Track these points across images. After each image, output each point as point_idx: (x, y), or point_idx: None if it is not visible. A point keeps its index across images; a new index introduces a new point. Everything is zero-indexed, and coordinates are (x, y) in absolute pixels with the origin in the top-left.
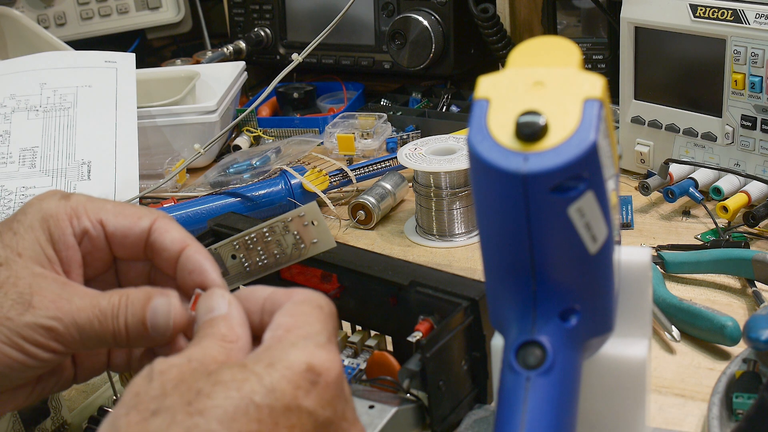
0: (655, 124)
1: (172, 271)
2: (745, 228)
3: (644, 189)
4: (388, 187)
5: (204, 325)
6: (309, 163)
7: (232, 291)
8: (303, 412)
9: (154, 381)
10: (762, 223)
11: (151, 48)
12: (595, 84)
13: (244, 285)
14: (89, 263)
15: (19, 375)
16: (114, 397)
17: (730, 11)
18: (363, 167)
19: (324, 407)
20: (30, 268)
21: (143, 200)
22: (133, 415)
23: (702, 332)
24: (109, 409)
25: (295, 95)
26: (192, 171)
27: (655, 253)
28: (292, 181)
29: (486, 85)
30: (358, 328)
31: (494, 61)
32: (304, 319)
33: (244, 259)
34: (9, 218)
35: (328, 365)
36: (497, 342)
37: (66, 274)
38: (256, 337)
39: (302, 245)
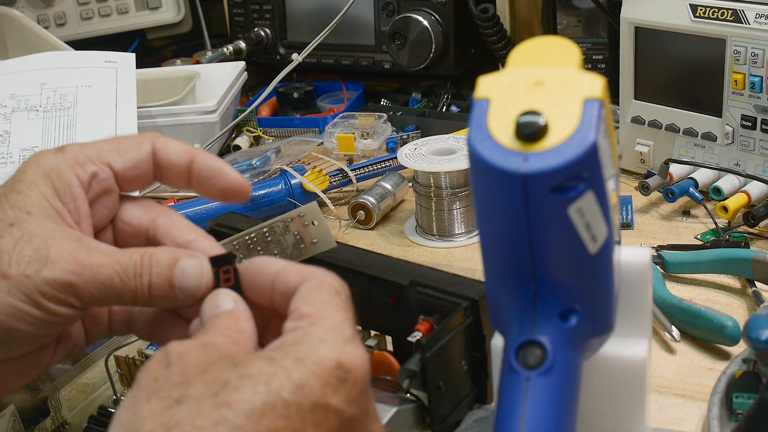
0: (655, 124)
1: (186, 184)
2: (745, 228)
3: (644, 189)
4: (388, 187)
5: (210, 319)
6: (309, 163)
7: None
8: (330, 410)
9: (174, 366)
10: (762, 223)
11: (151, 48)
12: (595, 84)
13: None
14: (97, 211)
15: (41, 332)
16: (114, 397)
17: (730, 11)
18: (363, 167)
19: (350, 405)
20: (43, 225)
21: None
22: (155, 403)
23: (702, 332)
24: (110, 409)
25: (295, 95)
26: None
27: (655, 253)
28: (292, 181)
29: (486, 85)
30: (358, 328)
31: (494, 61)
32: (326, 309)
33: (244, 259)
34: (8, 180)
35: (357, 361)
36: (497, 342)
37: (77, 225)
38: (265, 310)
39: (302, 245)
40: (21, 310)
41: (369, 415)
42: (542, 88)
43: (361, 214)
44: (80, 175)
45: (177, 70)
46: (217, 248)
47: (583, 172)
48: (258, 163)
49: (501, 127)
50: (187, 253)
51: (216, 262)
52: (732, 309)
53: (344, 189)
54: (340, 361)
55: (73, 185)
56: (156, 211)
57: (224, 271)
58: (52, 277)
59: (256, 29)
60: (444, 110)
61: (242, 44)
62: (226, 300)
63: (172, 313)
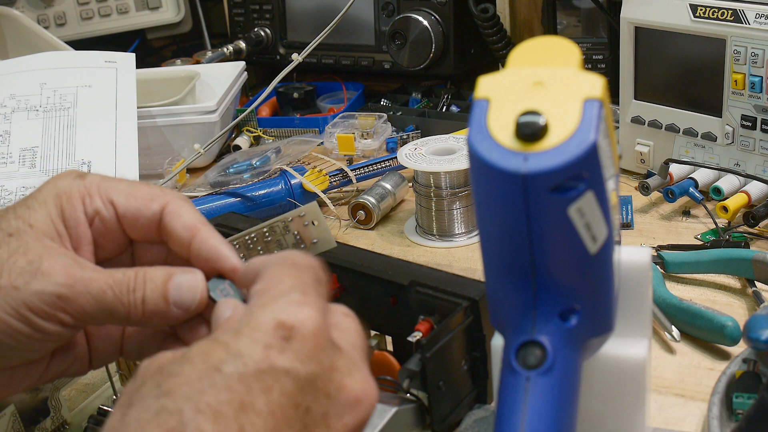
0: (655, 124)
1: (186, 256)
2: (745, 228)
3: (644, 189)
4: (388, 187)
5: (217, 327)
6: (309, 163)
7: None
8: (279, 372)
9: (137, 377)
10: (762, 223)
11: (151, 48)
12: (595, 84)
13: None
14: (102, 245)
15: (27, 348)
16: (114, 397)
17: (730, 11)
18: (363, 167)
19: (304, 362)
20: (41, 240)
21: None
22: (116, 414)
23: (702, 332)
24: (109, 409)
25: (295, 95)
26: (192, 171)
27: (655, 253)
28: (292, 181)
29: (486, 85)
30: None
31: (494, 61)
32: (276, 279)
33: (244, 259)
34: (26, 196)
35: (302, 317)
36: (497, 342)
37: (75, 251)
38: None
39: (302, 245)
40: (6, 323)
41: (337, 369)
42: (542, 88)
43: (361, 214)
44: (87, 205)
45: (177, 70)
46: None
47: (583, 172)
48: (258, 163)
49: (501, 127)
50: (182, 269)
51: (216, 281)
52: (732, 309)
53: (344, 189)
54: (281, 320)
55: (79, 212)
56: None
57: (221, 289)
58: (42, 289)
59: (256, 29)
60: (444, 110)
61: (242, 44)
62: (225, 309)
63: (179, 340)
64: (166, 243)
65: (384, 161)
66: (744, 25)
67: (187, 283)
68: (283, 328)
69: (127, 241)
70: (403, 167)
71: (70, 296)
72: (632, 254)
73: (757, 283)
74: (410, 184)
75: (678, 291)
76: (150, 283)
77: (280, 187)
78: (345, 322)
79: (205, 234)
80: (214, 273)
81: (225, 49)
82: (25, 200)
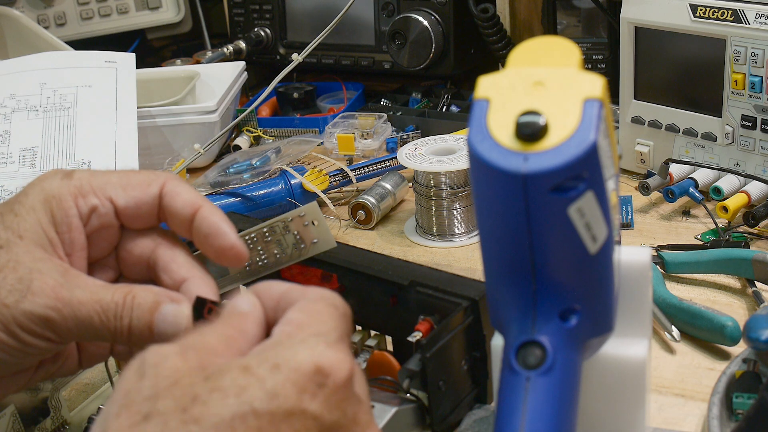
0: (655, 124)
1: (187, 234)
2: (745, 228)
3: (644, 189)
4: (388, 187)
5: (221, 317)
6: (309, 163)
7: (232, 291)
8: (308, 417)
9: (146, 379)
10: (762, 223)
11: (151, 48)
12: (595, 84)
13: (245, 285)
14: (96, 243)
15: (16, 361)
16: None
17: (730, 11)
18: (363, 167)
19: (331, 411)
20: (31, 252)
21: None
22: (124, 418)
23: (702, 332)
24: None
25: (295, 95)
26: (192, 171)
27: (655, 253)
28: (292, 181)
29: (486, 85)
30: (358, 328)
31: (494, 61)
32: (316, 316)
33: None
34: (10, 199)
35: (338, 365)
36: (497, 342)
37: (68, 257)
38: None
39: (302, 245)
40: None
41: (357, 422)
42: (542, 88)
43: (361, 214)
44: (80, 206)
45: (177, 70)
46: (210, 290)
47: (583, 172)
48: (258, 163)
49: (501, 127)
50: (170, 296)
51: (202, 302)
52: (732, 309)
53: (344, 189)
54: (320, 365)
55: (71, 215)
56: (158, 241)
57: (208, 310)
58: (31, 310)
59: (256, 29)
60: (444, 110)
61: (242, 44)
62: (243, 303)
63: None
64: (167, 222)
65: (384, 161)
66: (744, 25)
67: (172, 317)
68: (320, 374)
69: (119, 237)
70: (403, 167)
71: (57, 320)
72: (632, 254)
73: (757, 283)
74: (410, 184)
75: (678, 291)
76: (137, 310)
77: (280, 187)
78: (360, 372)
79: (206, 211)
80: (214, 249)
81: (225, 49)
82: (11, 206)
